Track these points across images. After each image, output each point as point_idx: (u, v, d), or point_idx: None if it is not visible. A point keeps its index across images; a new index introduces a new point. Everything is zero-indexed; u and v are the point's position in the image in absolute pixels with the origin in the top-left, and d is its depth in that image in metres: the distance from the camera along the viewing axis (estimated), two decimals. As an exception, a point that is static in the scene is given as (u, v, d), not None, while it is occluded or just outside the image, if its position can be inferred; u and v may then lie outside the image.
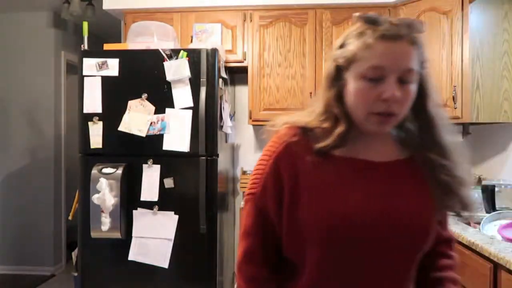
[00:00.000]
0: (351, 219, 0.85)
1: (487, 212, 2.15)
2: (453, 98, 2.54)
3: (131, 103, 2.42)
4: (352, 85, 0.87)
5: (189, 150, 2.38)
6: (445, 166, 0.90)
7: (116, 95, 2.43)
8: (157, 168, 2.41)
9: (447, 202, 0.91)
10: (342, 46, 0.91)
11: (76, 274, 2.48)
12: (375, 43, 0.84)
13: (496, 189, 2.18)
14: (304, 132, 0.92)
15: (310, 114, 0.94)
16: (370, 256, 0.86)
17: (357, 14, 0.89)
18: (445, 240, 1.04)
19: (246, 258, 0.95)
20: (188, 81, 2.39)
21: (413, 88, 0.87)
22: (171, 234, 2.38)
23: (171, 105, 2.40)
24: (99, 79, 2.44)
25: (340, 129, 0.89)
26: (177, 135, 2.38)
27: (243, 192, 3.27)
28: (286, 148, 0.91)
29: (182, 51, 2.40)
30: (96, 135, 2.44)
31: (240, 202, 3.14)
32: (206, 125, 2.37)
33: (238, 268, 0.96)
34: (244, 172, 3.29)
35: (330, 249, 0.85)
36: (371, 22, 0.86)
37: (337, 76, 0.91)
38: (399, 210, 0.88)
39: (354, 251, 0.85)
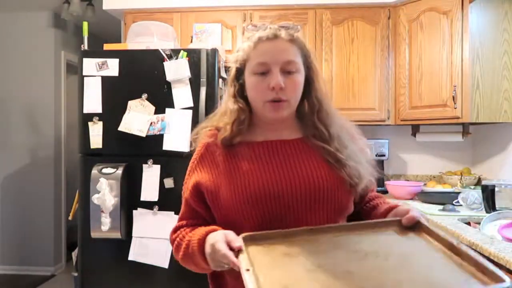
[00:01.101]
0: (263, 187, 1.00)
1: (487, 212, 2.15)
2: (453, 98, 2.54)
3: (131, 103, 2.42)
4: (248, 81, 1.07)
5: (189, 150, 2.37)
6: (325, 148, 1.07)
7: (116, 95, 2.43)
8: (157, 168, 2.41)
9: (342, 174, 1.05)
10: (238, 50, 1.11)
11: (76, 274, 2.48)
12: (257, 44, 1.05)
13: (496, 189, 2.18)
14: (218, 131, 1.11)
15: (220, 115, 1.14)
16: (293, 220, 1.00)
17: (246, 24, 1.15)
18: (372, 196, 1.20)
19: (174, 229, 1.12)
20: (188, 81, 2.39)
21: (298, 77, 1.05)
22: (171, 234, 2.38)
23: (171, 105, 2.40)
24: (99, 79, 2.44)
25: (232, 119, 1.08)
26: (177, 135, 2.38)
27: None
28: (206, 149, 1.11)
29: (182, 51, 2.40)
30: (96, 135, 2.44)
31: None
32: (206, 125, 2.37)
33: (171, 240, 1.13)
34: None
35: (254, 220, 0.99)
36: (254, 29, 1.08)
37: (237, 76, 1.11)
38: (306, 176, 1.03)
39: (278, 219, 1.00)
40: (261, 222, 1.00)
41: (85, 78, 2.45)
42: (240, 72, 1.10)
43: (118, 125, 2.41)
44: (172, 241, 1.11)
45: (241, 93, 1.11)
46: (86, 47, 2.52)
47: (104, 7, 3.13)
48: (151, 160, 2.41)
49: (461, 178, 2.80)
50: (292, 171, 1.03)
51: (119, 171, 2.36)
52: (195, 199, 1.09)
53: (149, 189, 2.40)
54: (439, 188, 2.78)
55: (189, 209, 1.11)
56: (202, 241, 0.98)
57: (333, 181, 1.04)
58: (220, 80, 2.52)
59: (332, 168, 1.05)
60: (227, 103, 1.13)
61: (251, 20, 3.00)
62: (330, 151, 1.06)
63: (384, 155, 2.98)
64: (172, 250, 1.12)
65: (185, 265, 1.09)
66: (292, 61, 1.04)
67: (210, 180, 1.06)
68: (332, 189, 1.03)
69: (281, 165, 1.04)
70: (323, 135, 1.08)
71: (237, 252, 0.88)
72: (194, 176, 1.10)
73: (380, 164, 3.04)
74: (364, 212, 1.16)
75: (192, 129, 2.35)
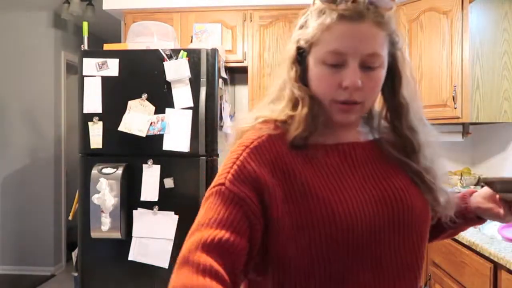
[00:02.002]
0: (355, 215, 0.74)
1: (487, 212, 2.15)
2: (453, 98, 2.54)
3: (131, 103, 2.42)
4: (314, 70, 0.79)
5: (189, 150, 2.38)
6: (412, 166, 0.82)
7: (116, 95, 2.43)
8: (157, 168, 2.41)
9: (432, 200, 0.82)
10: (302, 26, 0.81)
11: (76, 274, 2.48)
12: (333, 24, 0.75)
13: (496, 189, 2.18)
14: (282, 125, 0.81)
15: (275, 105, 0.84)
16: (383, 253, 0.76)
17: None
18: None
19: (201, 246, 0.67)
20: (188, 81, 2.39)
21: (380, 73, 0.78)
22: (171, 234, 2.38)
23: (171, 105, 2.40)
24: (99, 79, 2.44)
25: (304, 110, 0.79)
26: (177, 135, 2.38)
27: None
28: (269, 140, 0.78)
29: (182, 51, 2.40)
30: (96, 135, 2.44)
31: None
32: (206, 125, 2.37)
33: (184, 259, 0.66)
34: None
35: (335, 246, 0.73)
36: (330, 0, 0.77)
37: (298, 59, 0.82)
38: (395, 186, 0.79)
39: (359, 242, 0.74)
40: (339, 251, 0.73)
41: (85, 78, 2.45)
42: (302, 54, 0.81)
43: (118, 125, 2.41)
44: (188, 261, 0.66)
45: (302, 80, 0.81)
46: (86, 47, 2.52)
47: (104, 7, 3.13)
48: (151, 160, 2.41)
49: (461, 178, 2.80)
50: (381, 190, 0.78)
51: (119, 171, 2.36)
52: (252, 196, 0.72)
53: (149, 189, 2.40)
54: (439, 188, 2.78)
55: (235, 210, 0.71)
56: None
57: (422, 203, 0.80)
58: (220, 80, 2.52)
59: (419, 187, 0.81)
60: (285, 89, 0.82)
61: (251, 20, 3.00)
62: (418, 172, 0.82)
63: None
64: (175, 258, 0.69)
65: None
66: (376, 53, 0.76)
67: (279, 186, 0.74)
68: (421, 213, 0.80)
69: (364, 181, 0.79)
70: (408, 145, 0.82)
71: None
72: (252, 164, 0.75)
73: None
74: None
75: (192, 129, 2.37)
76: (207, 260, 0.64)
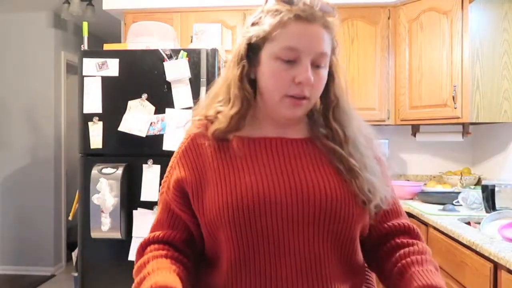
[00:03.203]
0: (258, 195, 0.81)
1: (487, 212, 2.15)
2: (453, 98, 2.54)
3: (131, 103, 2.42)
4: (266, 65, 0.85)
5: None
6: (337, 152, 0.88)
7: (116, 95, 2.43)
8: (157, 168, 2.41)
9: (353, 186, 0.85)
10: (255, 23, 0.87)
11: (76, 274, 2.48)
12: (290, 22, 0.82)
13: (496, 189, 2.18)
14: (209, 121, 0.91)
15: (210, 100, 0.94)
16: (286, 239, 0.81)
17: None
18: (398, 230, 0.92)
19: (145, 241, 0.91)
20: (188, 81, 2.39)
21: (325, 72, 0.87)
22: (171, 234, 2.38)
23: (171, 105, 2.40)
24: (99, 79, 2.44)
25: (233, 110, 0.87)
26: (177, 135, 2.38)
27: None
28: (192, 141, 0.91)
29: (182, 51, 2.40)
30: (96, 135, 2.43)
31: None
32: (206, 125, 2.37)
33: (138, 250, 0.91)
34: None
35: (244, 232, 0.81)
36: (286, 1, 0.83)
37: (249, 54, 0.87)
38: (312, 181, 0.84)
39: (268, 234, 0.81)
40: (247, 236, 0.81)
41: (85, 78, 2.45)
42: (254, 49, 0.86)
43: (118, 125, 2.41)
44: (138, 256, 0.90)
45: (247, 77, 0.88)
46: (86, 47, 2.52)
47: (104, 7, 3.13)
48: (151, 160, 2.41)
49: (461, 178, 2.80)
50: (294, 177, 0.84)
51: (119, 171, 2.36)
52: (178, 201, 0.89)
53: (149, 189, 2.40)
54: (439, 188, 2.78)
55: (168, 214, 0.91)
56: None
57: (344, 194, 0.84)
58: (220, 80, 2.52)
59: (343, 177, 0.86)
60: (226, 86, 0.90)
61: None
62: (343, 156, 0.87)
63: (384, 155, 2.98)
64: (135, 257, 0.92)
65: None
66: (325, 53, 0.84)
67: (196, 178, 0.87)
68: (342, 204, 0.83)
69: (280, 168, 0.85)
70: (336, 137, 0.89)
71: None
72: (176, 172, 0.90)
73: (380, 164, 3.04)
74: (388, 265, 0.88)
75: (192, 129, 2.37)
76: (146, 250, 0.90)
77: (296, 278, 0.81)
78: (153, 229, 0.93)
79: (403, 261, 0.85)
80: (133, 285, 0.83)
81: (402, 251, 0.87)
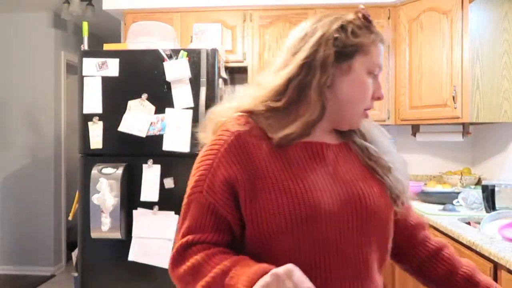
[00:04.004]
0: (319, 205, 0.81)
1: (487, 212, 2.15)
2: (453, 98, 2.54)
3: (131, 103, 2.42)
4: (358, 77, 0.87)
5: (189, 150, 2.38)
6: (371, 150, 0.92)
7: (116, 95, 2.43)
8: (157, 168, 2.41)
9: (389, 188, 0.91)
10: (340, 30, 0.86)
11: (76, 274, 2.48)
12: (377, 41, 0.88)
13: (496, 189, 2.18)
14: (255, 118, 0.87)
15: (258, 94, 0.89)
16: (343, 247, 0.82)
17: (362, 7, 0.91)
18: (419, 225, 1.03)
19: (187, 242, 0.83)
20: (188, 81, 2.39)
21: None
22: (171, 234, 2.38)
23: (171, 105, 2.40)
24: (99, 79, 2.44)
25: (312, 116, 0.85)
26: (177, 135, 2.38)
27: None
28: (238, 138, 0.84)
29: (182, 51, 2.40)
30: (96, 135, 2.43)
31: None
32: (206, 125, 2.37)
33: (177, 258, 0.83)
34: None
35: (300, 238, 0.80)
36: (369, 22, 0.89)
37: (335, 62, 0.85)
38: (362, 191, 0.86)
39: (326, 240, 0.81)
40: (305, 244, 0.80)
41: (85, 78, 2.45)
42: (341, 57, 0.85)
43: (118, 125, 2.41)
44: (177, 258, 0.84)
45: (326, 84, 0.86)
46: (86, 47, 2.52)
47: (104, 7, 3.13)
48: (151, 160, 2.41)
49: (461, 178, 2.80)
50: (346, 187, 0.85)
51: (119, 171, 2.36)
52: (227, 203, 0.83)
53: (149, 189, 2.40)
54: (439, 188, 2.78)
55: (211, 216, 0.83)
56: (250, 281, 0.72)
57: (385, 203, 0.89)
58: (220, 80, 2.52)
59: (377, 178, 0.90)
60: (295, 88, 0.85)
61: (251, 21, 3.00)
62: (372, 154, 0.91)
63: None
64: (172, 263, 0.86)
65: None
66: None
67: (249, 179, 0.82)
68: (384, 213, 0.88)
69: (332, 176, 0.86)
70: (365, 137, 0.94)
71: None
72: (223, 171, 0.83)
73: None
74: (429, 273, 0.99)
75: (192, 129, 2.37)
76: (193, 249, 0.82)
77: (348, 284, 0.82)
78: (189, 232, 0.84)
79: (465, 270, 0.97)
80: (201, 282, 0.77)
81: (447, 253, 0.99)
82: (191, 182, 0.87)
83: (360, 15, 0.89)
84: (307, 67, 0.85)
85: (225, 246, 0.83)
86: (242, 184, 0.82)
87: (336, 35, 0.86)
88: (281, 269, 0.69)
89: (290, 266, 0.70)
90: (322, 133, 0.90)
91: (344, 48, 0.85)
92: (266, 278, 0.69)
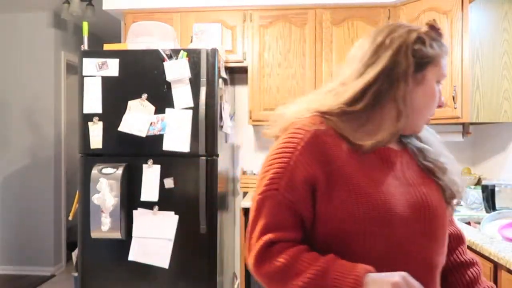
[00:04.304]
0: (393, 209, 0.84)
1: (487, 212, 2.15)
2: (453, 98, 2.54)
3: (131, 103, 2.42)
4: (431, 86, 0.92)
5: (189, 150, 2.38)
6: (429, 151, 0.96)
7: (116, 95, 2.43)
8: (157, 168, 2.41)
9: (445, 189, 0.95)
10: (421, 41, 0.90)
11: (76, 274, 2.48)
12: (444, 54, 0.93)
13: (496, 189, 2.18)
14: (329, 119, 0.90)
15: (335, 96, 0.91)
16: (409, 246, 0.86)
17: (433, 20, 0.94)
18: (458, 237, 1.07)
19: (270, 240, 0.84)
20: (188, 81, 2.39)
21: None
22: (171, 234, 2.38)
23: (171, 105, 2.40)
24: (99, 79, 2.44)
25: (399, 125, 0.89)
26: (177, 135, 2.38)
27: (244, 192, 3.27)
28: (315, 137, 0.87)
29: (182, 51, 2.40)
30: (96, 135, 2.44)
31: (240, 202, 3.14)
32: (206, 125, 2.37)
33: (260, 256, 0.85)
34: (244, 172, 3.29)
35: (374, 239, 0.83)
36: (440, 35, 0.93)
37: (413, 73, 0.90)
38: (425, 195, 0.90)
39: (399, 242, 0.85)
40: (381, 245, 0.83)
41: (85, 78, 2.45)
42: (417, 68, 0.90)
43: (118, 125, 2.41)
44: (266, 256, 0.84)
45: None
46: (86, 47, 2.52)
47: (104, 7, 3.13)
48: (151, 160, 2.41)
49: (461, 178, 2.80)
50: (414, 191, 0.89)
51: (119, 171, 2.36)
52: (307, 201, 0.85)
53: (149, 189, 2.40)
54: (439, 188, 2.77)
55: (290, 214, 0.85)
56: (358, 280, 0.76)
57: (444, 207, 0.93)
58: (220, 80, 2.52)
59: (434, 179, 0.94)
60: (373, 95, 0.88)
61: (251, 21, 3.00)
62: (429, 156, 0.96)
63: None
64: (256, 261, 0.85)
65: None
66: None
67: (326, 178, 0.84)
68: (444, 216, 0.92)
69: (400, 180, 0.90)
70: (420, 140, 0.99)
71: None
72: (303, 170, 0.84)
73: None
74: (453, 279, 1.03)
75: (192, 129, 2.37)
76: (276, 247, 0.84)
77: (419, 281, 0.83)
78: (268, 230, 0.85)
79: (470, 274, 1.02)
80: (297, 281, 0.80)
81: (475, 270, 1.03)
82: (264, 179, 0.88)
83: (432, 27, 0.93)
84: (386, 75, 0.89)
85: (300, 243, 0.86)
86: (320, 183, 0.84)
87: (415, 47, 0.89)
88: (398, 277, 0.75)
89: (404, 274, 0.76)
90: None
91: (421, 59, 0.90)
92: (387, 287, 0.74)
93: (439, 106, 0.95)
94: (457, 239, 1.06)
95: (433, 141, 1.00)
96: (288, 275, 0.81)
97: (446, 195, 0.94)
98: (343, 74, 0.94)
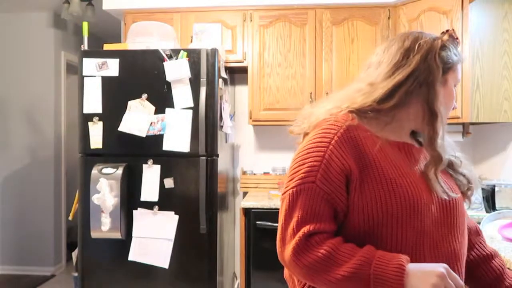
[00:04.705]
0: (420, 200, 0.90)
1: (487, 212, 2.15)
2: (453, 98, 2.54)
3: (131, 103, 2.42)
4: (450, 89, 1.01)
5: (189, 150, 2.38)
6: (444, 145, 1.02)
7: (116, 95, 2.43)
8: (157, 168, 2.41)
9: (461, 183, 1.03)
10: (443, 48, 0.99)
11: (76, 274, 2.48)
12: (461, 61, 1.03)
13: (496, 189, 2.18)
14: (359, 115, 0.96)
15: (362, 97, 0.97)
16: (433, 235, 0.91)
17: (452, 29, 1.03)
18: (474, 229, 1.13)
19: (308, 232, 0.87)
20: (188, 81, 2.39)
21: None
22: (171, 234, 2.38)
23: (171, 105, 2.40)
24: (99, 79, 2.44)
25: (437, 125, 0.97)
26: (177, 135, 2.38)
27: (244, 192, 3.27)
28: (348, 132, 0.92)
29: (182, 51, 2.40)
30: (96, 135, 2.44)
31: (240, 202, 3.14)
32: (206, 125, 2.37)
33: (300, 246, 0.87)
34: (244, 172, 3.28)
35: (405, 228, 0.88)
36: (458, 43, 1.03)
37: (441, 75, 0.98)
38: (451, 187, 0.97)
39: (424, 229, 0.90)
40: (408, 233, 0.88)
41: (85, 78, 2.45)
42: (443, 73, 0.99)
43: (118, 125, 2.41)
44: (306, 247, 0.87)
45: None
46: (86, 47, 2.52)
47: (104, 7, 3.13)
48: (151, 160, 2.41)
49: (461, 178, 2.80)
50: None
51: (119, 171, 2.36)
52: (342, 193, 0.89)
53: (149, 189, 2.40)
54: (439, 188, 2.78)
55: (326, 206, 0.89)
56: (401, 269, 0.80)
57: (461, 200, 1.00)
58: (220, 80, 2.52)
59: (450, 173, 1.03)
60: (399, 90, 0.96)
61: (251, 21, 3.00)
62: (446, 149, 1.02)
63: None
64: (295, 252, 0.87)
65: (329, 285, 0.85)
66: None
67: (359, 170, 0.90)
68: (461, 204, 0.99)
69: (421, 173, 0.96)
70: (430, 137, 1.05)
71: None
72: (337, 162, 0.89)
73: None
74: (479, 274, 1.08)
75: (192, 129, 2.37)
76: (315, 239, 0.87)
77: None
78: (305, 222, 0.88)
79: (497, 267, 1.08)
80: (339, 271, 0.83)
81: (499, 262, 1.09)
82: (298, 172, 0.91)
83: (452, 36, 1.01)
84: (415, 77, 0.96)
85: (335, 233, 0.91)
86: (354, 175, 0.89)
87: (441, 53, 0.98)
88: (442, 269, 0.79)
89: (446, 265, 0.81)
90: (407, 135, 1.03)
91: (445, 64, 0.98)
92: (432, 280, 0.78)
93: (454, 108, 1.05)
94: (475, 233, 1.12)
95: (446, 139, 1.05)
96: (330, 266, 0.84)
97: (462, 188, 1.02)
98: (371, 76, 1.00)
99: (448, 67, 0.99)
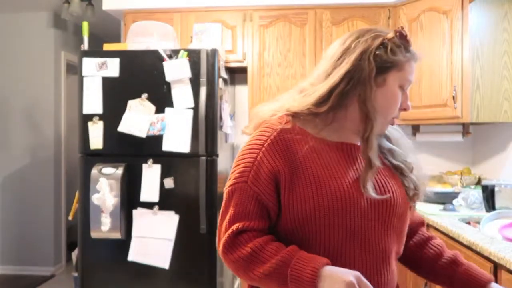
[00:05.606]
0: (351, 200, 0.91)
1: (487, 212, 2.15)
2: (453, 98, 2.54)
3: (131, 103, 2.42)
4: (392, 89, 0.97)
5: (189, 150, 2.38)
6: (395, 151, 1.05)
7: (116, 95, 2.43)
8: (157, 168, 2.41)
9: (408, 185, 1.03)
10: (384, 46, 0.95)
11: (76, 274, 2.48)
12: (411, 59, 0.98)
13: (496, 189, 2.18)
14: (295, 117, 0.98)
15: (302, 99, 0.99)
16: (371, 239, 0.94)
17: (401, 27, 0.99)
18: (419, 222, 1.18)
19: (238, 229, 0.92)
20: (188, 81, 2.39)
21: None
22: (172, 234, 2.38)
23: (171, 105, 2.40)
24: (99, 79, 2.44)
25: (369, 126, 0.95)
26: (177, 135, 2.38)
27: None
28: (280, 135, 0.96)
29: (182, 51, 2.40)
30: (96, 135, 2.44)
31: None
32: (206, 125, 2.37)
33: (228, 244, 0.93)
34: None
35: (332, 227, 0.91)
36: (407, 41, 0.97)
37: (375, 76, 0.95)
38: (389, 191, 0.97)
39: (355, 236, 0.92)
40: (338, 233, 0.91)
41: (85, 78, 2.45)
42: (378, 72, 0.96)
43: (118, 125, 2.41)
44: (234, 244, 0.92)
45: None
46: (86, 47, 2.52)
47: (104, 7, 3.13)
48: (151, 160, 2.41)
49: (461, 178, 2.80)
50: (376, 185, 0.97)
51: (119, 171, 2.36)
52: (270, 193, 0.93)
53: (149, 189, 2.40)
54: (439, 188, 2.78)
55: (255, 204, 0.93)
56: (315, 272, 0.83)
57: (403, 196, 1.01)
58: (220, 80, 2.52)
59: (399, 176, 1.03)
60: (337, 95, 0.95)
61: (251, 20, 3.00)
62: (398, 155, 1.04)
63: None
64: (224, 248, 0.94)
65: (251, 281, 0.92)
66: None
67: (289, 171, 0.92)
68: (402, 204, 0.99)
69: (358, 172, 0.97)
70: (389, 139, 1.07)
71: None
72: (267, 164, 0.93)
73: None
74: (420, 255, 1.12)
75: (192, 129, 2.37)
76: (243, 236, 0.92)
77: (374, 268, 0.94)
78: (236, 219, 0.93)
79: (451, 254, 1.09)
80: (259, 269, 0.88)
81: (436, 242, 1.13)
82: (234, 173, 0.97)
83: (398, 34, 0.97)
84: (349, 78, 0.95)
85: (266, 232, 0.95)
86: (283, 176, 0.92)
87: (377, 52, 0.95)
88: (352, 277, 0.80)
89: (358, 273, 0.82)
90: (352, 135, 1.01)
91: (382, 63, 0.95)
92: (341, 287, 0.80)
93: (404, 110, 1.00)
94: (419, 224, 1.17)
95: (403, 143, 1.08)
96: (253, 263, 0.89)
97: (409, 193, 1.02)
98: (314, 74, 1.02)
99: (387, 67, 0.95)
